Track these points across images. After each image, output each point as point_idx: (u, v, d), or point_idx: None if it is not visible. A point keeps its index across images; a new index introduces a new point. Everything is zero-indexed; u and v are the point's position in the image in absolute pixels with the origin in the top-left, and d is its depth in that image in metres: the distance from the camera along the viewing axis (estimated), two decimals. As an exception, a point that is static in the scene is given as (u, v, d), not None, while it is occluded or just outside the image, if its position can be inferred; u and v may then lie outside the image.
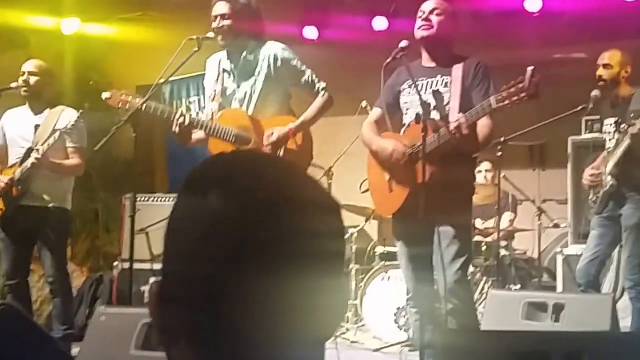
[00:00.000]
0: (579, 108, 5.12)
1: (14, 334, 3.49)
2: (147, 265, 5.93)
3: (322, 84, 4.21)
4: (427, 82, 3.83)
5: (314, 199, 0.89)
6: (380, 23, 6.66)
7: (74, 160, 5.06)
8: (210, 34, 4.10)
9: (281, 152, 4.08)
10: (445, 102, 3.74)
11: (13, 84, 5.08)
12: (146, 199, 6.13)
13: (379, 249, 5.90)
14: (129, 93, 4.19)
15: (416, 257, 3.79)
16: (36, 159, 4.84)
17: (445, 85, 3.76)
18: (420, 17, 3.84)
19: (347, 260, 6.05)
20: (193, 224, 0.86)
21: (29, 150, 4.95)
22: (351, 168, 6.46)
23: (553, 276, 5.94)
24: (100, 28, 7.94)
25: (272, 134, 4.08)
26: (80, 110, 4.96)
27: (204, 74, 4.39)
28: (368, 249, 6.19)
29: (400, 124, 3.94)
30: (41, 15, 7.72)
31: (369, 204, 6.37)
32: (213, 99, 4.25)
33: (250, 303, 0.83)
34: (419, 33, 3.83)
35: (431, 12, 3.81)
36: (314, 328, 0.86)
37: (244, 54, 4.18)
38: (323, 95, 4.19)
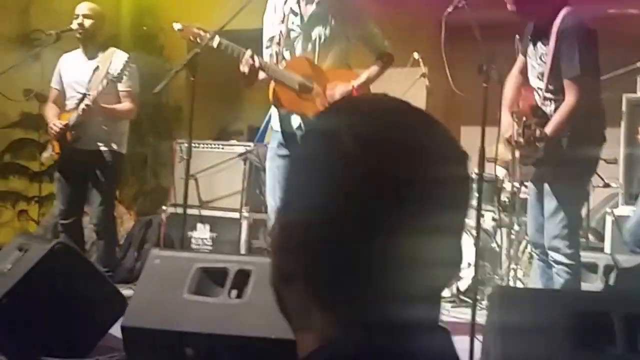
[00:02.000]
0: (637, 65, 4.90)
1: (70, 271, 3.52)
2: (195, 211, 5.89)
3: (387, 42, 4.13)
4: (534, 48, 3.75)
5: (445, 148, 0.86)
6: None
7: (125, 104, 5.04)
8: None
9: None
10: (539, 76, 3.70)
11: (72, 26, 5.02)
12: (196, 145, 6.06)
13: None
14: (201, 27, 4.06)
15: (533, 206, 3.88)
16: (87, 105, 4.83)
17: (542, 58, 3.69)
18: None
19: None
20: (325, 166, 0.83)
21: (84, 96, 4.94)
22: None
23: (601, 237, 5.73)
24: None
25: (334, 91, 3.96)
26: (128, 56, 4.90)
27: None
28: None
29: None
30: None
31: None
32: (278, 42, 4.07)
33: (378, 250, 0.80)
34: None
35: None
36: (436, 277, 0.84)
37: None
38: (387, 54, 4.11)
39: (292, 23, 4.06)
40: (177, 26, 4.05)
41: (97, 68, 5.00)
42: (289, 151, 3.99)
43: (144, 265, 5.88)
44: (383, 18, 6.36)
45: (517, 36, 4.09)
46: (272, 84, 4.01)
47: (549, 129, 3.57)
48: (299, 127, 4.01)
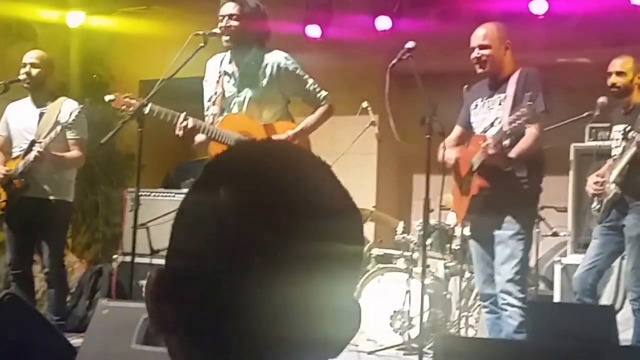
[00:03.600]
0: (584, 114, 5.03)
1: (18, 322, 3.46)
2: (146, 260, 5.84)
3: (324, 93, 4.20)
4: (488, 101, 4.03)
5: (327, 201, 0.83)
6: (383, 23, 6.54)
7: (74, 152, 5.02)
8: (217, 30, 4.03)
9: None
10: (499, 119, 3.92)
11: (20, 77, 5.01)
12: (147, 194, 6.04)
13: (375, 251, 5.79)
14: (132, 96, 4.16)
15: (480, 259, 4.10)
16: (38, 152, 4.81)
17: (500, 103, 3.96)
18: (472, 52, 3.98)
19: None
20: (199, 219, 0.82)
21: (32, 143, 4.92)
22: (350, 168, 6.36)
23: (550, 285, 5.80)
24: (104, 21, 7.82)
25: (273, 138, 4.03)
26: (81, 106, 4.91)
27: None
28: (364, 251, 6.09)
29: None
30: (48, 9, 7.63)
31: (365, 205, 6.31)
32: (214, 103, 4.18)
33: (247, 303, 0.79)
34: (476, 69, 4.01)
35: (481, 47, 3.94)
36: (315, 334, 0.81)
37: (248, 58, 4.13)
38: (324, 104, 4.19)
39: (227, 83, 4.16)
40: (108, 98, 4.15)
41: (46, 115, 4.98)
42: None
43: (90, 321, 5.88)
44: (332, 66, 6.52)
45: (465, 86, 4.25)
46: (211, 144, 4.08)
47: (514, 152, 3.83)
48: None
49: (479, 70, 3.98)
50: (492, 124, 3.97)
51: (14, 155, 5.06)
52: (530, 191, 4.00)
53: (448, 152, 4.08)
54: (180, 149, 7.18)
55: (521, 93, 3.83)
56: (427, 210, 3.90)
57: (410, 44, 3.77)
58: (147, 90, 4.22)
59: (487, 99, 4.04)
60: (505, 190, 3.89)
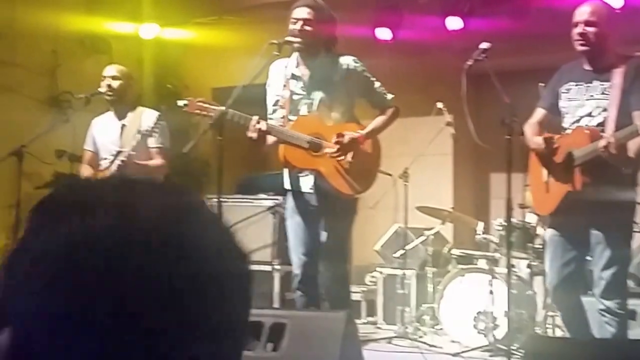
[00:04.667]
0: None
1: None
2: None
3: (390, 96, 4.26)
4: (586, 87, 3.76)
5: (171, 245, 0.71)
6: (454, 23, 6.55)
7: (157, 160, 5.14)
8: (291, 38, 4.11)
9: (349, 157, 4.08)
10: (602, 109, 3.70)
11: (101, 89, 5.17)
12: (224, 199, 6.17)
13: (456, 252, 5.80)
14: (205, 100, 4.24)
15: (565, 260, 3.85)
16: (122, 161, 4.95)
17: (603, 93, 3.71)
18: (575, 29, 3.73)
19: (423, 262, 5.98)
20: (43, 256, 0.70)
21: (117, 154, 5.05)
22: (426, 169, 6.39)
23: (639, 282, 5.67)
24: (177, 33, 8.01)
25: (343, 135, 4.09)
26: (159, 113, 5.04)
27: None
28: (444, 251, 6.09)
29: (561, 126, 3.91)
30: (122, 22, 7.87)
31: (444, 206, 6.31)
32: (282, 106, 4.24)
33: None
34: (576, 47, 3.75)
35: (587, 23, 3.69)
36: None
37: (318, 61, 4.19)
38: (391, 106, 4.24)
39: (295, 86, 4.22)
40: (181, 103, 4.22)
41: (126, 126, 5.12)
42: (299, 211, 4.18)
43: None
44: (404, 68, 6.55)
45: (541, 84, 4.19)
46: (282, 147, 4.14)
47: (632, 152, 3.59)
48: (311, 188, 4.16)
49: (581, 49, 3.70)
50: (590, 114, 3.74)
51: (102, 167, 5.20)
52: (633, 189, 3.80)
53: (536, 139, 3.87)
54: (251, 157, 7.33)
55: (630, 86, 3.63)
56: (509, 209, 3.79)
57: (484, 45, 3.71)
58: (220, 98, 4.29)
59: (585, 84, 3.78)
60: (612, 189, 3.65)
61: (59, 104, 7.31)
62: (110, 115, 5.27)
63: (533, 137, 3.91)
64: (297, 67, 4.24)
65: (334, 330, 3.30)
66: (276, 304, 5.83)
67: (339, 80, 4.17)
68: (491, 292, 4.92)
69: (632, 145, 3.56)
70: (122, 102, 5.21)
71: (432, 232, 5.89)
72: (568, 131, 3.82)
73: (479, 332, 5.07)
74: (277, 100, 4.27)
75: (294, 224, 4.23)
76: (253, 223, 6.04)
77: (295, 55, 4.23)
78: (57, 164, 7.17)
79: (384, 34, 6.86)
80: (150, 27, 7.94)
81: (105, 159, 5.21)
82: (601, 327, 3.69)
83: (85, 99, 5.24)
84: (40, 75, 7.40)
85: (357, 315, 5.98)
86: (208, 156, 7.24)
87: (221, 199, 5.97)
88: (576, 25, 3.70)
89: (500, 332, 4.90)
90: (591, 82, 3.74)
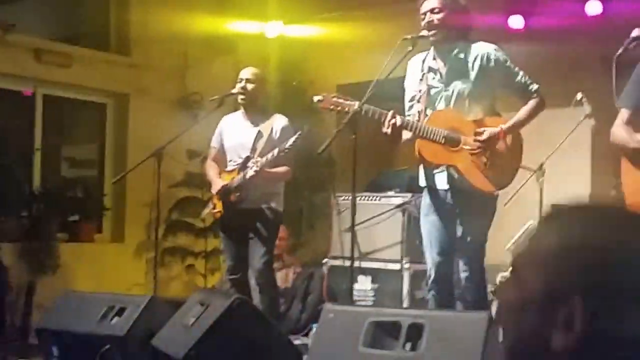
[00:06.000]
0: None
1: (247, 324, 3.72)
2: (356, 263, 5.95)
3: (535, 86, 4.11)
4: None
5: None
6: (593, 7, 6.30)
7: (284, 167, 5.24)
8: (425, 32, 4.06)
9: (488, 154, 4.01)
10: None
11: (234, 91, 5.29)
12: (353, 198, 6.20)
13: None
14: (340, 95, 4.26)
15: None
16: (255, 171, 5.06)
17: None
18: None
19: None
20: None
21: (247, 159, 5.20)
22: (565, 163, 6.18)
23: None
24: (301, 29, 8.10)
25: (482, 132, 4.02)
26: (299, 132, 5.06)
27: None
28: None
29: None
30: (247, 21, 8.05)
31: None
32: (419, 100, 4.19)
33: None
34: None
35: None
36: None
37: (454, 52, 4.10)
38: (536, 97, 4.10)
39: (432, 80, 4.15)
40: (316, 98, 4.24)
41: (260, 134, 5.25)
42: (434, 209, 4.11)
43: (309, 317, 6.14)
44: (544, 57, 6.36)
45: None
46: (417, 142, 4.08)
47: None
48: (448, 184, 4.09)
49: None
50: None
51: (229, 168, 5.36)
52: None
53: None
54: (380, 156, 7.36)
55: None
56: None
57: (636, 32, 3.54)
58: (345, 94, 4.29)
59: None
60: None
61: (188, 105, 7.59)
62: (241, 117, 5.40)
63: (632, 136, 3.61)
64: (433, 59, 4.17)
65: (475, 332, 3.26)
66: (405, 303, 5.82)
67: (478, 71, 4.07)
68: None
69: None
70: (255, 105, 5.33)
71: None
72: None
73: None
74: (414, 95, 4.22)
75: (428, 222, 4.19)
76: (382, 221, 6.05)
77: (432, 48, 4.17)
78: (189, 164, 7.46)
79: (516, 22, 6.71)
80: (275, 24, 8.06)
81: (231, 160, 5.36)
82: None
83: (219, 100, 5.38)
84: (171, 77, 7.70)
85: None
86: (333, 154, 7.30)
87: (352, 197, 6.07)
88: None
89: None
90: None
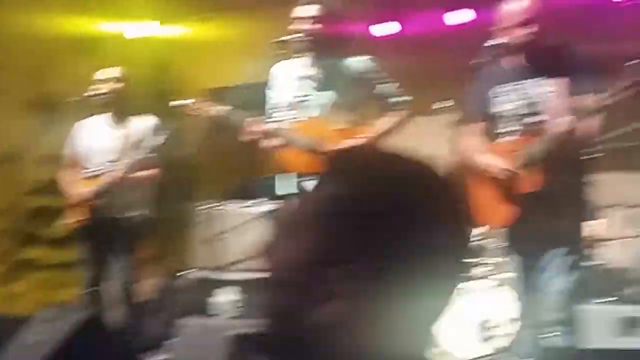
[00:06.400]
0: None
1: (97, 340, 3.54)
2: (217, 275, 5.90)
3: (403, 97, 4.15)
4: (525, 83, 3.66)
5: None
6: (457, 17, 6.49)
7: (150, 170, 5.07)
8: (297, 37, 4.02)
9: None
10: (548, 102, 3.59)
11: (94, 92, 5.06)
12: (216, 206, 6.10)
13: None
14: (203, 99, 4.17)
15: (529, 270, 3.71)
16: (117, 175, 4.90)
17: (546, 84, 3.60)
18: (508, 24, 3.65)
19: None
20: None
21: (110, 163, 4.99)
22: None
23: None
24: (170, 30, 7.95)
25: (347, 143, 3.98)
26: (155, 122, 4.98)
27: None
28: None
29: (496, 131, 3.80)
30: (110, 21, 7.78)
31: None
32: (288, 107, 4.15)
33: None
34: (509, 46, 3.65)
35: (521, 22, 3.62)
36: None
37: (327, 61, 4.09)
38: (403, 108, 4.14)
39: (302, 87, 4.13)
40: (180, 102, 4.17)
41: (122, 135, 5.06)
42: None
43: (168, 331, 5.95)
44: (413, 66, 6.46)
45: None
46: (284, 150, 4.06)
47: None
48: (299, 190, 4.05)
49: (515, 48, 3.66)
50: (532, 112, 3.66)
51: (91, 174, 5.11)
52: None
53: (491, 159, 3.74)
54: (248, 163, 7.28)
55: (567, 72, 3.58)
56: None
57: (491, 42, 3.63)
58: (216, 98, 4.24)
59: (520, 81, 3.71)
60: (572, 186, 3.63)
61: (47, 107, 7.21)
62: (101, 120, 5.17)
63: (478, 153, 3.77)
64: (306, 67, 4.15)
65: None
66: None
67: (349, 81, 4.07)
68: (493, 301, 4.86)
69: (585, 129, 3.48)
70: (118, 106, 5.11)
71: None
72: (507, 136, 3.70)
73: (481, 341, 5.01)
74: (283, 102, 4.18)
75: None
76: (249, 230, 5.95)
77: (305, 55, 4.13)
78: (44, 169, 7.06)
79: (383, 30, 6.80)
80: (142, 25, 7.84)
81: (92, 166, 5.11)
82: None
83: (78, 102, 5.14)
84: (23, 75, 7.30)
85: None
86: (200, 161, 7.15)
87: (215, 205, 5.96)
88: (508, 28, 3.61)
89: (502, 342, 4.82)
90: (528, 78, 3.65)
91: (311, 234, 0.94)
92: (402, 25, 6.76)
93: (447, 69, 6.29)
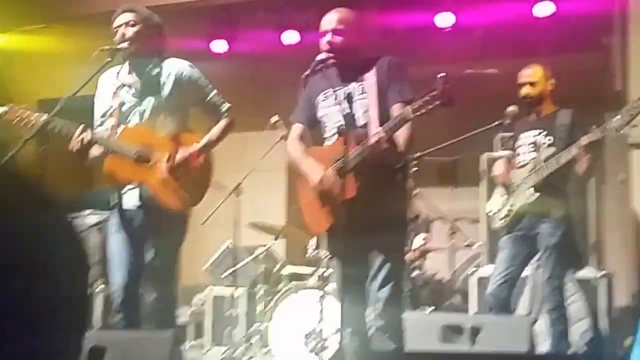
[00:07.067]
0: (495, 124, 5.07)
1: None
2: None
3: (227, 106, 4.16)
4: (343, 90, 3.76)
5: None
6: (290, 37, 6.65)
7: None
8: (124, 44, 4.00)
9: (181, 172, 4.01)
10: (363, 110, 3.70)
11: None
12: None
13: (288, 269, 5.82)
14: (29, 108, 4.05)
15: (350, 278, 3.74)
16: None
17: (362, 92, 3.72)
18: (323, 36, 3.76)
19: (254, 281, 5.96)
20: None
21: None
22: (260, 185, 6.40)
23: (466, 298, 5.91)
24: (0, 40, 7.68)
25: (175, 154, 3.98)
26: None
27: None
28: (275, 269, 6.02)
29: (322, 137, 3.89)
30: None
31: (277, 222, 6.33)
32: (111, 114, 4.09)
33: None
34: (323, 49, 3.75)
35: (333, 32, 3.74)
36: None
37: (148, 67, 4.07)
38: (227, 117, 4.15)
39: (125, 95, 4.09)
40: (1, 109, 4.03)
41: None
42: (123, 228, 4.03)
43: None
44: (245, 81, 6.57)
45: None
46: (108, 159, 3.98)
47: (399, 144, 3.68)
48: (138, 203, 4.01)
49: (329, 56, 3.73)
50: (353, 117, 3.73)
51: None
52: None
53: (312, 167, 3.80)
54: (79, 173, 7.12)
55: (384, 80, 3.69)
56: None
57: (322, 55, 3.70)
58: (47, 110, 4.11)
59: (341, 87, 3.80)
60: (388, 193, 3.70)
61: None
62: None
63: (302, 159, 3.86)
64: (128, 74, 4.10)
65: (160, 351, 3.22)
66: (99, 326, 5.64)
67: (172, 88, 4.06)
68: (321, 311, 4.91)
69: (401, 139, 3.62)
70: None
71: (264, 249, 5.89)
72: (327, 141, 3.84)
73: (310, 352, 5.11)
74: (106, 110, 4.10)
75: (116, 243, 4.06)
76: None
77: (126, 62, 4.10)
78: None
79: (219, 46, 6.87)
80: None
81: None
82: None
83: None
84: None
85: (184, 338, 5.88)
86: (31, 172, 6.92)
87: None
88: (324, 34, 3.76)
89: (329, 353, 4.91)
90: (349, 84, 3.76)
91: None
92: (235, 42, 6.86)
93: (278, 86, 6.49)
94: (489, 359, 3.35)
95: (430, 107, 3.34)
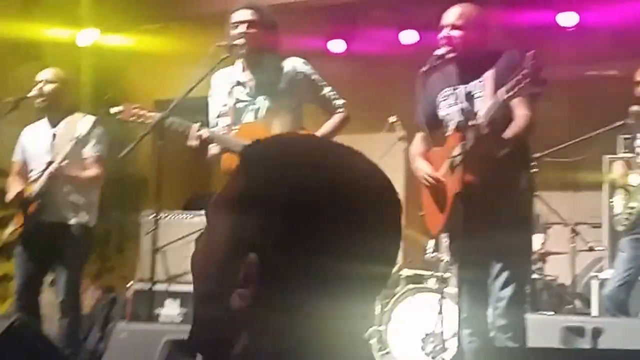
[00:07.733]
0: (617, 124, 5.01)
1: (27, 349, 3.44)
2: (163, 287, 5.81)
3: (341, 101, 4.21)
4: (463, 89, 3.75)
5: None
6: (408, 36, 6.65)
7: (92, 170, 4.94)
8: (240, 41, 4.07)
9: None
10: (477, 107, 3.66)
11: (30, 94, 4.94)
12: (164, 216, 6.02)
13: (405, 272, 5.82)
14: (143, 107, 4.15)
15: (470, 278, 3.71)
16: (51, 171, 4.73)
17: (482, 90, 3.68)
18: (442, 33, 3.76)
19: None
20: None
21: (49, 164, 4.81)
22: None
23: (587, 303, 5.83)
24: (118, 40, 7.92)
25: None
26: (97, 117, 4.85)
27: None
28: (393, 272, 6.06)
29: (445, 136, 3.87)
30: (57, 27, 7.72)
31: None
32: (227, 114, 4.18)
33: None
34: (441, 44, 3.75)
35: (452, 27, 3.72)
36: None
37: (263, 65, 4.16)
38: (341, 112, 4.19)
39: (240, 93, 4.18)
40: (115, 109, 4.15)
41: (61, 133, 4.92)
42: None
43: (107, 345, 5.79)
44: (362, 81, 6.58)
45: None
46: (225, 156, 4.05)
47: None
48: None
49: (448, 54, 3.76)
50: (474, 114, 3.67)
51: (32, 179, 4.93)
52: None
53: (419, 162, 3.90)
54: (196, 176, 7.28)
55: (501, 74, 3.58)
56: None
57: (440, 51, 3.70)
58: (163, 110, 4.20)
59: (461, 85, 3.79)
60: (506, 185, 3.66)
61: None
62: (42, 123, 5.06)
63: (415, 158, 3.92)
64: (241, 72, 4.20)
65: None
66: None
67: (286, 85, 4.14)
68: (440, 313, 4.96)
69: (514, 123, 3.56)
70: (57, 108, 5.00)
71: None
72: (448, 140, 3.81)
73: (427, 355, 5.09)
74: (221, 109, 4.20)
75: None
76: (194, 241, 5.90)
77: (240, 61, 4.20)
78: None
79: (337, 46, 6.92)
80: (90, 33, 7.82)
81: (32, 170, 4.97)
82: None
83: (14, 103, 4.98)
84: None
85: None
86: (146, 173, 7.12)
87: (162, 215, 5.91)
88: (443, 29, 3.74)
89: (449, 355, 4.94)
90: (468, 82, 3.73)
91: (225, 224, 0.96)
92: (353, 42, 6.88)
93: (396, 86, 6.47)
94: (613, 355, 3.24)
95: (521, 86, 3.27)
